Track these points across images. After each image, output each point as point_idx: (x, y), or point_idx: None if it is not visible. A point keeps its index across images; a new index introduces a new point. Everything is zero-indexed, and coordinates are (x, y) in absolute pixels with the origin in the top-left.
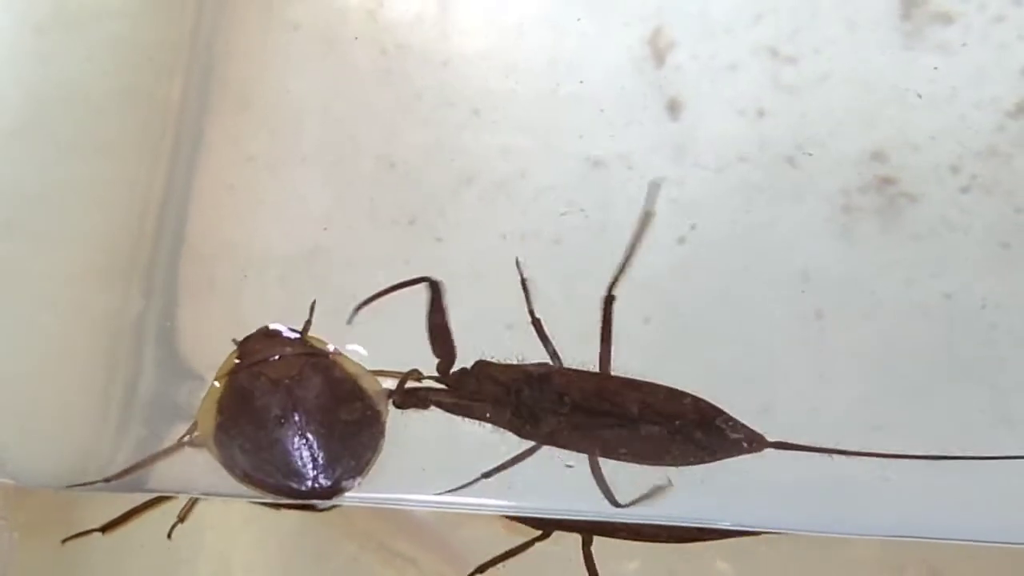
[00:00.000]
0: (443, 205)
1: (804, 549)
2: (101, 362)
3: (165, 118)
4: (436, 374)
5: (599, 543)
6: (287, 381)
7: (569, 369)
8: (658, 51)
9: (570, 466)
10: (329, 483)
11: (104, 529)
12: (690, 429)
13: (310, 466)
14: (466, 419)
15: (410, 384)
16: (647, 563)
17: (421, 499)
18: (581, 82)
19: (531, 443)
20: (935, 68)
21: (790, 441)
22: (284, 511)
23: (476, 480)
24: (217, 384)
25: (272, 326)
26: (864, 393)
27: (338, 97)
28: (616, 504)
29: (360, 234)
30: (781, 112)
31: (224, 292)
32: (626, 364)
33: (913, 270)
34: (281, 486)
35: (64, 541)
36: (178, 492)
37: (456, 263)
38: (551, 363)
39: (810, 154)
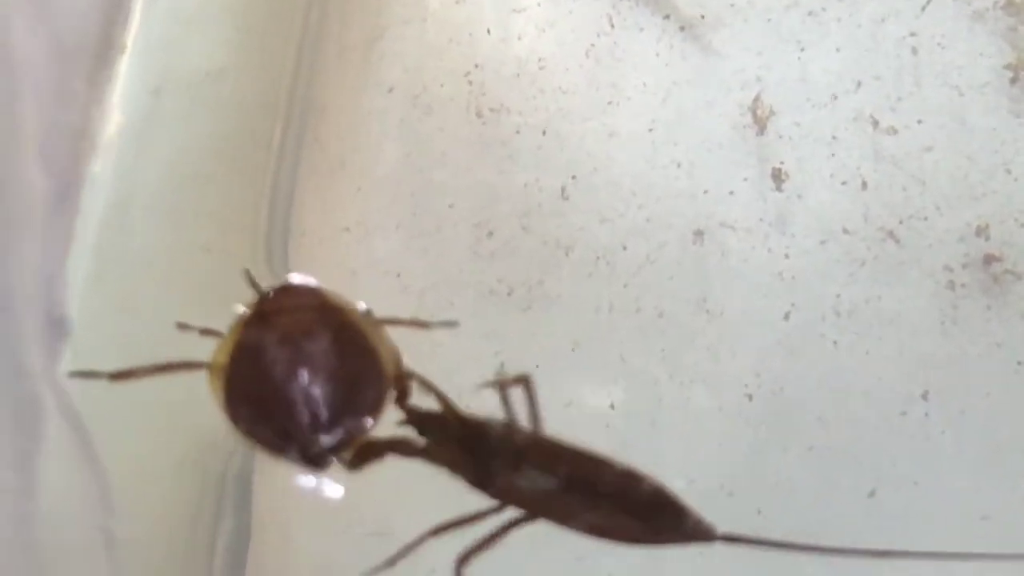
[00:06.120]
0: (542, 276)
1: None
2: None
3: (262, 185)
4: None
5: None
6: (297, 335)
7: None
8: (759, 119)
9: None
10: (332, 443)
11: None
12: (645, 511)
13: (316, 425)
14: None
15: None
16: None
17: None
18: (682, 148)
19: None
20: None
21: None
22: None
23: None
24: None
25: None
26: (971, 480)
27: (434, 162)
28: None
29: (458, 306)
30: (883, 184)
31: None
32: (728, 441)
33: (1021, 351)
34: (281, 445)
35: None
36: None
37: (555, 336)
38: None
39: (913, 228)
